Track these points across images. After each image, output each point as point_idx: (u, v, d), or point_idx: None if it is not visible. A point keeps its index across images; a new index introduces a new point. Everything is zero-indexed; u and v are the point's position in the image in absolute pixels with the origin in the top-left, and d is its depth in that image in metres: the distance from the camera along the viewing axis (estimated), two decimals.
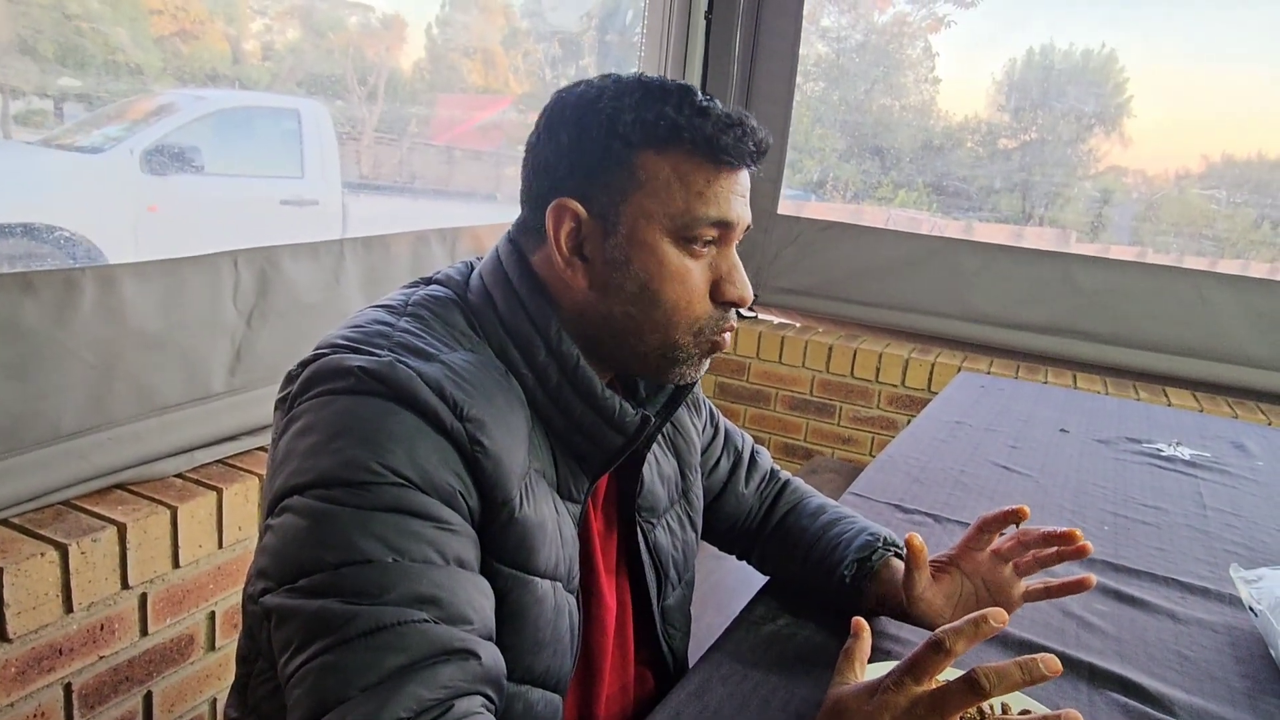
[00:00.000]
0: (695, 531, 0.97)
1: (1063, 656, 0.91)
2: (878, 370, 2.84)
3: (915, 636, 0.93)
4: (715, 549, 1.11)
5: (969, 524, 1.22)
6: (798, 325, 3.10)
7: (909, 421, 2.82)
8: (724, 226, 0.72)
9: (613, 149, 0.71)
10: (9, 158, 2.22)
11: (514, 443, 0.67)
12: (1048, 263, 2.79)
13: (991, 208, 3.31)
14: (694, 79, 2.98)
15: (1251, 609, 0.98)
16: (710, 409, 1.08)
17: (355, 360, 0.64)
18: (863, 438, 2.90)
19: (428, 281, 0.79)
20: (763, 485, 1.09)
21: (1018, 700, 0.78)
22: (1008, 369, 2.72)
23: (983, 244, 2.89)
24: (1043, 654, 0.55)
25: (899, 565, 0.92)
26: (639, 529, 0.88)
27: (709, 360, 0.78)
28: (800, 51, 2.99)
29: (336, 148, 3.11)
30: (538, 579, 0.70)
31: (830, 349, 2.89)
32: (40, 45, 1.49)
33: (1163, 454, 1.66)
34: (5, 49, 1.43)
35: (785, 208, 3.10)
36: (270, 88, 2.57)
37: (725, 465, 1.07)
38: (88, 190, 2.60)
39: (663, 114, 0.70)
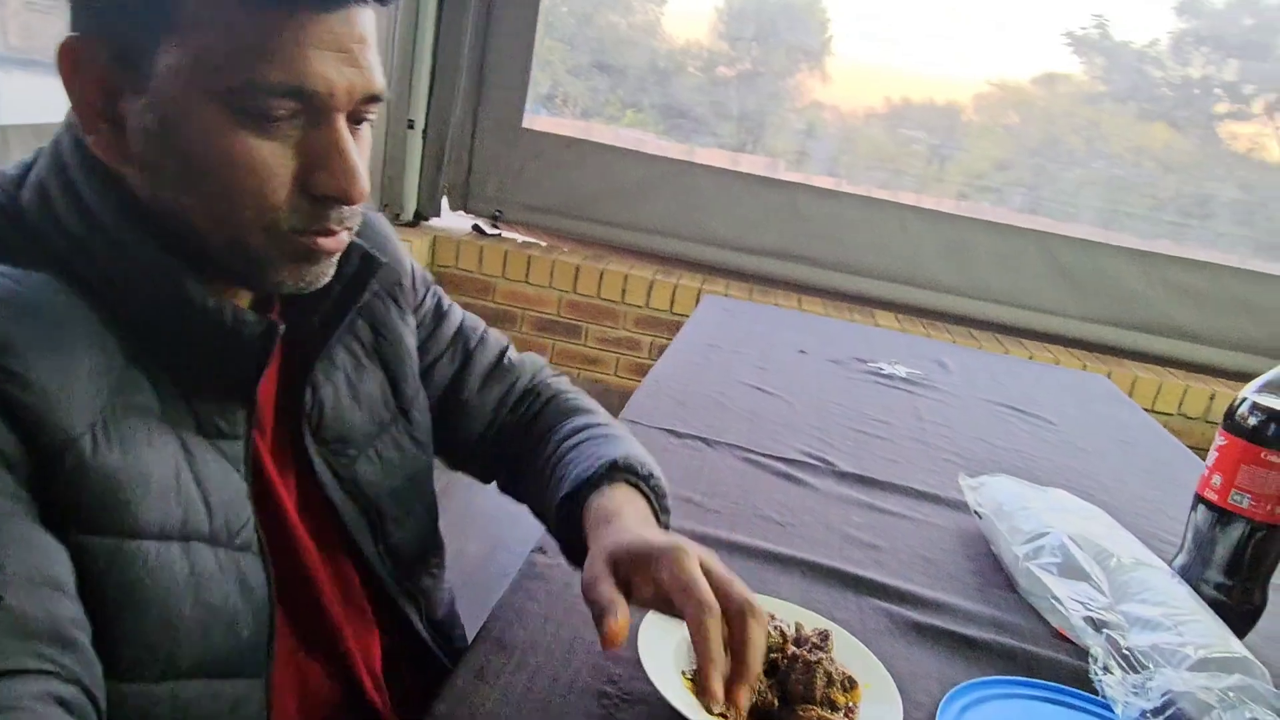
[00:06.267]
0: (426, 453, 0.82)
1: (832, 570, 0.98)
2: (623, 291, 2.88)
3: None
4: None
5: (736, 446, 1.28)
6: (544, 245, 3.05)
7: (653, 343, 2.92)
8: (303, 98, 0.53)
9: None
10: None
11: (72, 369, 0.50)
12: (777, 190, 2.96)
13: (711, 133, 3.43)
14: None
15: (976, 512, 1.11)
16: (432, 295, 0.88)
17: None
18: (609, 359, 2.95)
19: None
20: (508, 394, 0.91)
21: (791, 614, 0.81)
22: (743, 291, 2.88)
23: (717, 169, 3.01)
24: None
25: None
26: (328, 466, 0.71)
27: (324, 264, 0.60)
28: None
29: None
30: (143, 541, 0.53)
31: (577, 269, 2.88)
32: None
33: (884, 372, 1.83)
34: None
35: (540, 125, 3.00)
36: None
37: (447, 368, 0.88)
38: None
39: None
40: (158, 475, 0.54)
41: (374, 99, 0.57)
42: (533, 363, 0.96)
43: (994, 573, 1.04)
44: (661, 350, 2.92)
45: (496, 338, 0.94)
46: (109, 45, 0.52)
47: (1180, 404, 2.75)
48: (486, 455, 0.91)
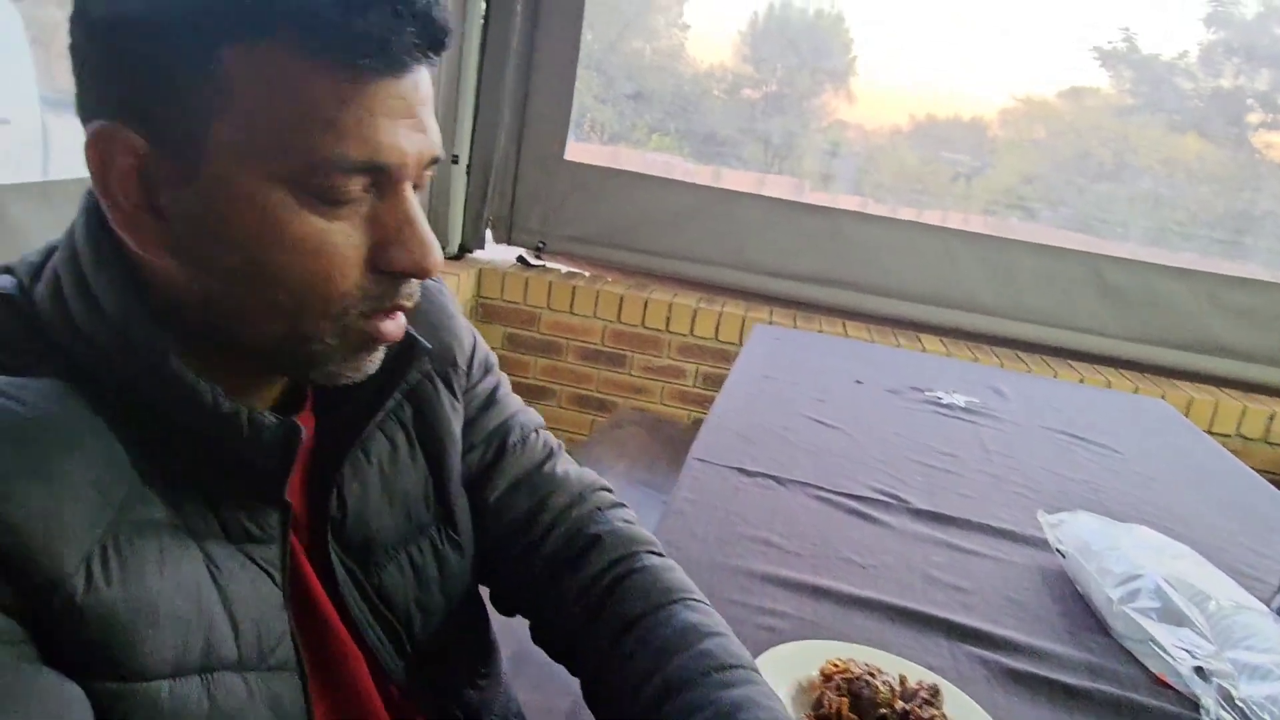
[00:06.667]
0: (468, 557, 0.73)
1: (918, 614, 0.97)
2: (668, 320, 2.89)
3: (793, 609, 0.94)
4: None
5: (807, 483, 1.28)
6: (587, 275, 3.07)
7: (698, 370, 2.92)
8: (377, 171, 0.49)
9: (175, 35, 0.45)
10: None
11: (63, 501, 0.45)
12: (818, 216, 2.96)
13: (738, 155, 3.44)
14: (475, 14, 2.80)
15: (1059, 551, 1.10)
16: (490, 381, 0.78)
17: None
18: (654, 387, 2.95)
19: (7, 269, 0.54)
20: (539, 510, 0.75)
21: (894, 665, 0.81)
22: (787, 318, 2.87)
23: (760, 197, 3.01)
24: None
25: None
26: (349, 575, 0.63)
27: (377, 353, 0.55)
28: None
29: (29, 56, 2.61)
30: (153, 683, 0.48)
31: (621, 299, 2.89)
32: None
33: (943, 402, 1.82)
34: None
35: (576, 154, 3.03)
36: None
37: (477, 461, 0.75)
38: None
39: None
40: (169, 604, 0.49)
41: (435, 162, 0.54)
42: (580, 480, 0.79)
43: (1084, 615, 1.02)
44: (707, 378, 2.94)
45: (544, 443, 0.80)
46: (149, 132, 0.47)
47: (1239, 425, 2.70)
48: (506, 579, 0.77)
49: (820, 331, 2.78)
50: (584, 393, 3.00)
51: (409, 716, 0.68)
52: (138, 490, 0.49)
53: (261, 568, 0.55)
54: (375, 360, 0.56)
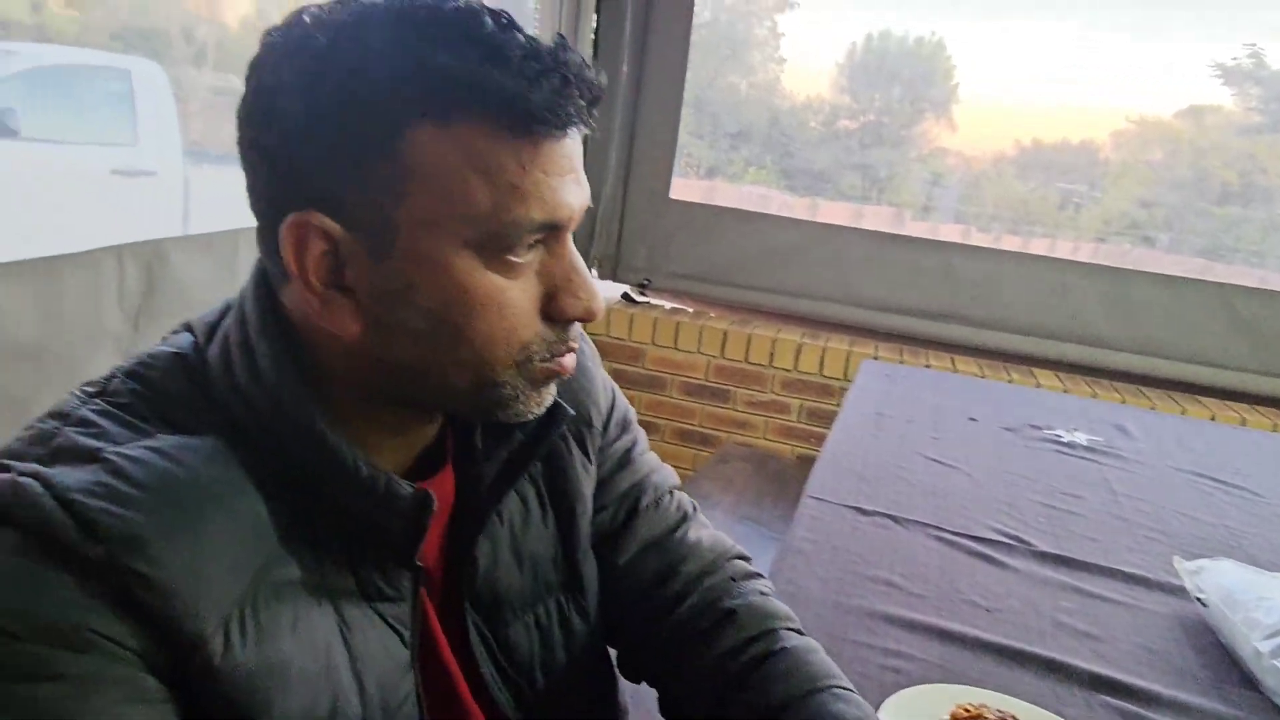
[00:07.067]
0: (587, 621, 0.73)
1: (1049, 661, 0.95)
2: (771, 355, 2.89)
3: (918, 651, 0.94)
4: None
5: (927, 524, 1.26)
6: (691, 311, 3.11)
7: (802, 406, 2.91)
8: (550, 228, 0.53)
9: (365, 124, 0.48)
10: None
11: (213, 560, 0.48)
12: (928, 251, 2.92)
13: (835, 186, 3.42)
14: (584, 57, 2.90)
15: (1198, 599, 1.06)
16: (627, 439, 0.78)
17: None
18: (757, 422, 2.95)
19: (188, 327, 0.59)
20: (669, 577, 0.74)
21: (1028, 714, 0.80)
22: (893, 353, 2.84)
23: (866, 232, 2.99)
24: None
25: None
26: (477, 631, 0.65)
27: (552, 388, 0.59)
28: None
29: (175, 113, 2.84)
30: None
31: (725, 334, 2.92)
32: None
33: (1063, 440, 1.76)
34: None
35: (677, 191, 3.09)
36: (79, 41, 2.29)
37: (607, 523, 0.75)
38: None
39: (434, 63, 0.48)
40: (299, 666, 0.51)
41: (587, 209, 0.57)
42: (714, 548, 0.78)
43: (1228, 668, 0.98)
44: (811, 413, 2.92)
45: (677, 506, 0.80)
46: (341, 217, 0.50)
47: None
48: (635, 645, 0.77)
49: (928, 367, 2.73)
50: (688, 427, 3.03)
51: None
52: (278, 551, 0.51)
53: (391, 626, 0.57)
54: (551, 395, 0.59)
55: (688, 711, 0.71)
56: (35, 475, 0.46)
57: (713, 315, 3.06)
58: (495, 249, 0.51)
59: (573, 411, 0.65)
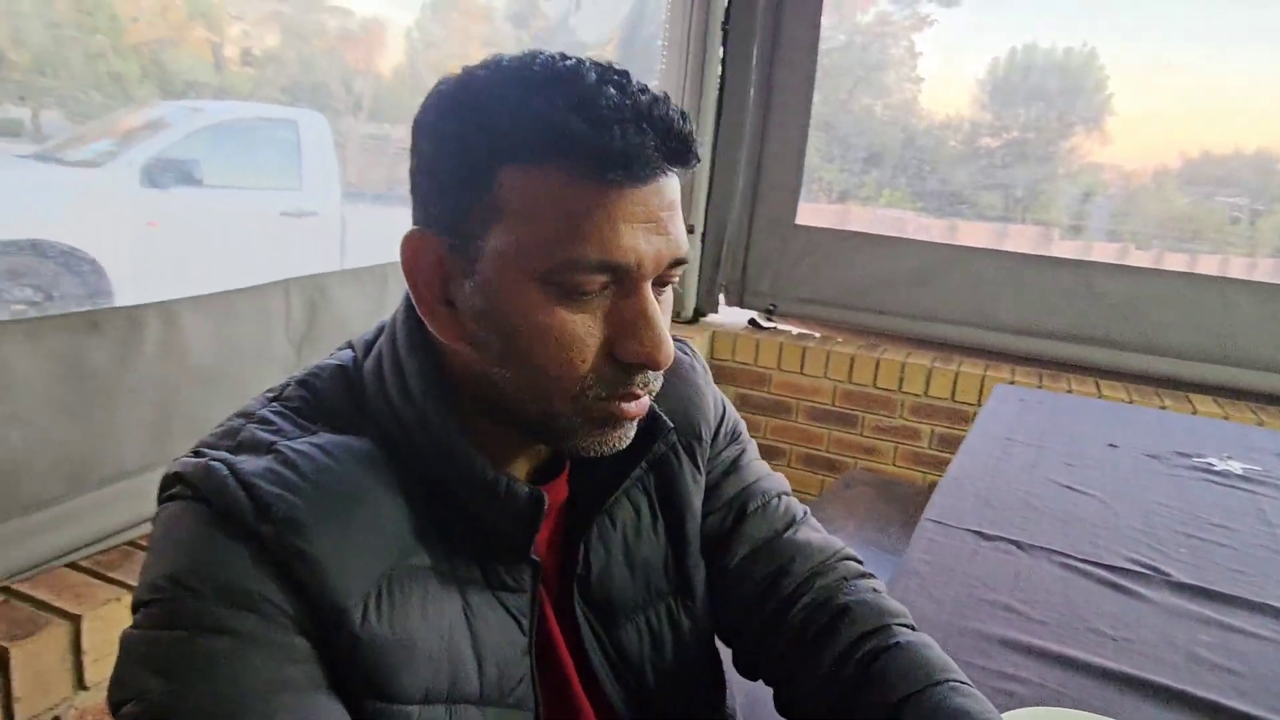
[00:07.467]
0: (697, 625, 0.77)
1: (1180, 693, 0.91)
2: (900, 380, 2.84)
3: (1035, 676, 0.92)
4: None
5: (1053, 550, 1.23)
6: (818, 336, 3.10)
7: (933, 431, 2.84)
8: (613, 270, 0.55)
9: (470, 162, 0.55)
10: (6, 172, 2.17)
11: (358, 543, 0.55)
12: (1069, 271, 2.80)
13: (975, 207, 3.31)
14: (711, 91, 2.97)
15: None
16: (735, 449, 0.82)
17: (178, 465, 0.57)
18: (886, 447, 2.90)
19: (349, 345, 0.67)
20: (781, 577, 0.77)
21: None
22: (1031, 378, 2.73)
23: (1002, 253, 2.90)
24: None
25: None
26: (590, 629, 0.70)
27: (626, 428, 0.61)
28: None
29: (335, 158, 3.09)
30: (406, 706, 0.56)
31: (852, 359, 2.89)
32: (17, 53, 1.44)
33: (1215, 469, 1.66)
34: None
35: (807, 215, 3.09)
36: (253, 96, 2.53)
37: (716, 527, 0.78)
38: (89, 205, 2.56)
39: (529, 110, 0.53)
40: (425, 643, 0.57)
41: (680, 263, 0.59)
42: (824, 548, 0.80)
43: None
44: (943, 439, 2.85)
45: (786, 509, 0.82)
46: (446, 237, 0.57)
47: None
48: (750, 644, 0.79)
49: (1070, 392, 2.61)
50: (814, 453, 3.01)
51: None
52: (413, 542, 0.58)
53: (511, 614, 0.63)
54: (624, 437, 0.62)
55: (805, 708, 0.73)
56: (224, 461, 0.55)
57: (839, 340, 3.04)
58: (561, 284, 0.55)
59: (672, 425, 0.70)
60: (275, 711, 0.50)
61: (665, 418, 0.70)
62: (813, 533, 0.81)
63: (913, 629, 0.73)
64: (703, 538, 0.78)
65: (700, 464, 0.77)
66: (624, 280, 0.56)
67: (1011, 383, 2.65)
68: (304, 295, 1.54)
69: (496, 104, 0.55)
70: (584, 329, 0.56)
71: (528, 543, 0.62)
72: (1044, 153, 3.24)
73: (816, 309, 3.09)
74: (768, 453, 3.03)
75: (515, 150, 0.54)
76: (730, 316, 3.21)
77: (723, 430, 0.81)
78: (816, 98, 3.00)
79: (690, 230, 3.09)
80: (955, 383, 2.78)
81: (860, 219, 3.42)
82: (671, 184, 0.57)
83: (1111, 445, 1.77)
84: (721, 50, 2.95)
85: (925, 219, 3.33)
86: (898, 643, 0.70)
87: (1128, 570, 1.18)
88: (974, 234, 3.21)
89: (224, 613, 0.51)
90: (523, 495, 0.60)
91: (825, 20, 2.95)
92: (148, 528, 1.28)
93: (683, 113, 0.56)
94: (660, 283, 0.59)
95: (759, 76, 2.97)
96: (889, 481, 2.55)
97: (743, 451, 0.83)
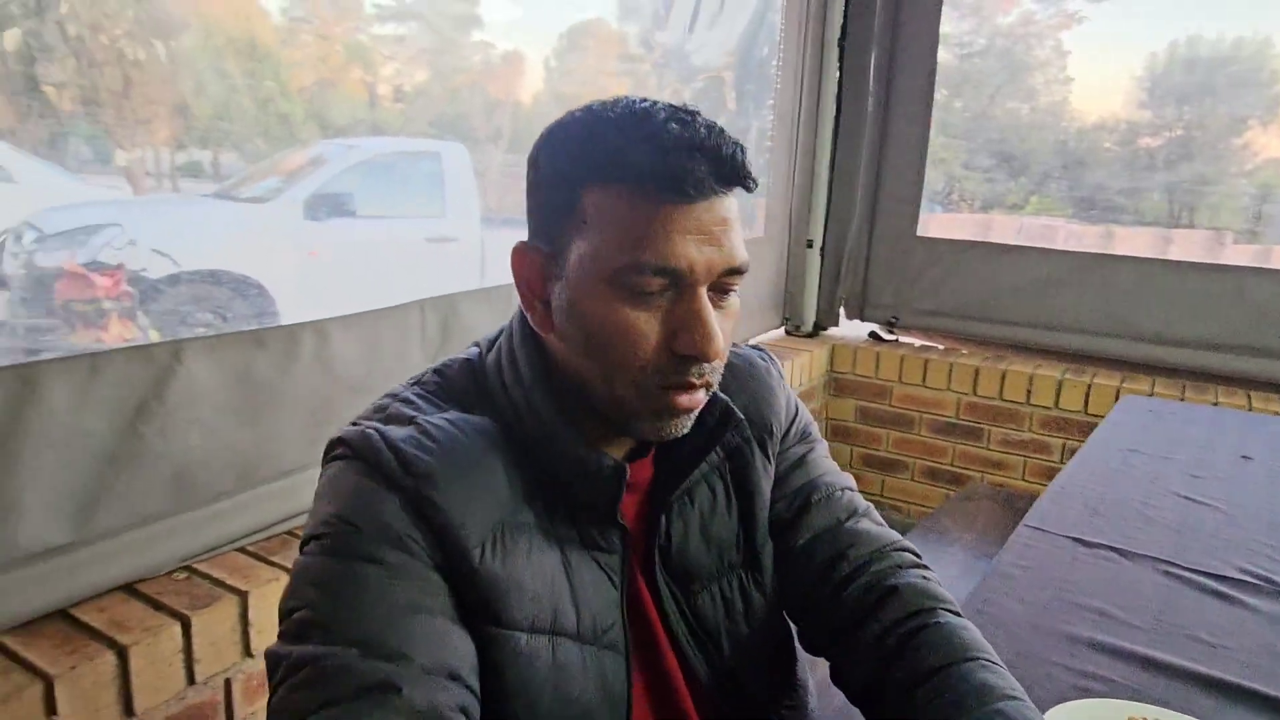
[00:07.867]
0: (766, 598, 0.85)
1: (1274, 700, 0.90)
2: (1029, 392, 2.77)
3: (1118, 675, 0.93)
4: None
5: (1159, 559, 1.21)
6: (940, 348, 3.06)
7: (1064, 445, 2.74)
8: (669, 274, 0.65)
9: (562, 183, 0.68)
10: (191, 210, 2.47)
11: (478, 497, 0.67)
12: (1215, 276, 2.65)
13: (1133, 211, 3.14)
14: (828, 107, 3.01)
15: None
16: (803, 445, 0.90)
17: (340, 433, 0.70)
18: (1014, 461, 2.83)
19: (476, 343, 0.81)
20: (838, 560, 0.83)
21: None
22: (1172, 389, 2.60)
23: (1138, 259, 2.77)
24: None
25: None
26: (670, 594, 0.80)
27: (682, 418, 0.70)
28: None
29: (475, 186, 3.31)
30: (513, 633, 0.67)
31: (976, 371, 2.84)
32: (198, 103, 1.65)
33: None
34: (172, 109, 1.60)
35: (939, 228, 3.06)
36: (402, 130, 2.74)
37: (783, 515, 0.86)
38: (258, 238, 2.85)
39: (606, 142, 0.66)
40: (531, 583, 0.68)
41: (735, 272, 0.67)
42: (881, 538, 0.86)
43: None
44: (1075, 453, 2.73)
45: (848, 501, 0.88)
46: (544, 246, 0.70)
47: None
48: (812, 621, 0.86)
49: (1216, 404, 2.48)
50: (938, 466, 2.96)
51: (716, 714, 0.82)
52: (520, 503, 0.70)
53: (604, 571, 0.74)
54: (681, 425, 0.71)
55: (853, 680, 0.80)
56: (376, 430, 0.68)
57: (964, 352, 2.98)
58: (626, 285, 0.65)
59: (744, 418, 0.80)
60: (412, 629, 0.62)
61: (739, 412, 0.79)
62: (872, 525, 0.88)
63: (957, 615, 0.79)
64: (770, 522, 0.86)
65: (770, 456, 0.87)
66: (680, 284, 0.66)
67: (1151, 394, 2.54)
68: (438, 313, 1.70)
69: (583, 138, 0.68)
70: (645, 324, 0.66)
71: (613, 508, 0.72)
72: (1213, 151, 3.03)
73: (940, 320, 3.05)
74: (889, 466, 3.01)
75: (593, 173, 0.66)
76: (851, 330, 3.21)
77: (794, 429, 0.90)
78: (957, 104, 2.96)
79: (809, 245, 3.12)
80: (1088, 394, 2.68)
81: (1005, 228, 3.32)
82: (724, 203, 0.66)
83: (1245, 457, 1.69)
84: (838, 67, 2.98)
85: (1076, 225, 3.20)
86: (938, 622, 0.76)
87: (1237, 580, 1.15)
88: (1133, 240, 3.06)
89: (377, 547, 0.63)
90: (607, 467, 0.71)
91: (964, 25, 2.91)
92: (303, 519, 1.46)
93: (736, 142, 0.66)
94: (721, 290, 0.69)
95: (876, 90, 2.98)
96: (1012, 495, 2.49)
97: (811, 449, 0.91)
